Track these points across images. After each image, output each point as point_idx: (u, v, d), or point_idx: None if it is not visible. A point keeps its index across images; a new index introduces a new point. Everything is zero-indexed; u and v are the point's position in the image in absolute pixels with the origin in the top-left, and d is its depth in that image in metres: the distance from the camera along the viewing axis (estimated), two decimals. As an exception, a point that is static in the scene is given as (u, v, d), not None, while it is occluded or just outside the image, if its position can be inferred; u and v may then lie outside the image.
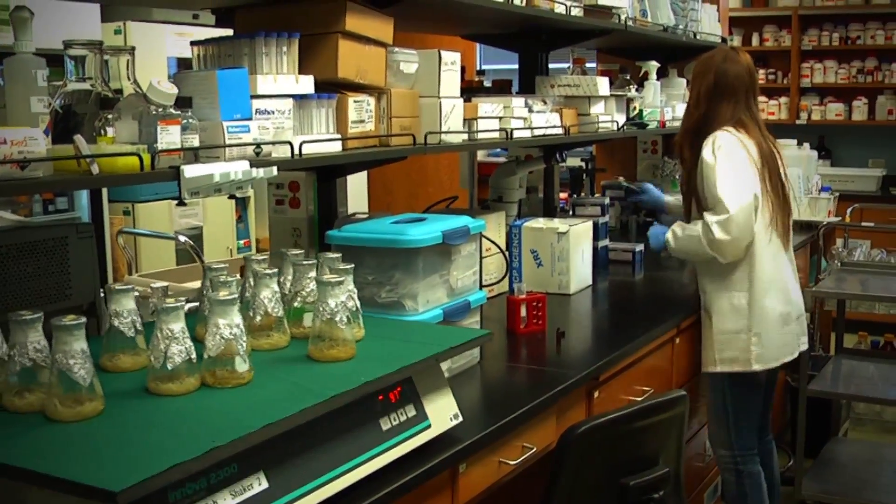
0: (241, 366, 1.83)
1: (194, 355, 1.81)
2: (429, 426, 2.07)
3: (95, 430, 1.63)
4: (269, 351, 2.07)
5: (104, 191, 4.81)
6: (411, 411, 2.04)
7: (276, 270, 2.10)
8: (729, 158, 3.34)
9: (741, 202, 3.30)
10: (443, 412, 2.13)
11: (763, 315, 3.42)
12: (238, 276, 2.20)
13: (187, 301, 1.87)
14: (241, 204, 5.65)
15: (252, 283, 2.13)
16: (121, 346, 1.93)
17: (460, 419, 2.17)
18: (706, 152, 3.37)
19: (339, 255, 2.29)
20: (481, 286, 2.81)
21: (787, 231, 3.51)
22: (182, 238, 3.85)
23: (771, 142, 3.50)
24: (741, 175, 3.34)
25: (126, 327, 1.91)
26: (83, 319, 1.66)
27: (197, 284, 3.27)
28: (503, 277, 3.52)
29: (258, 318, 2.07)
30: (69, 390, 1.65)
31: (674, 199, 4.22)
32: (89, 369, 1.67)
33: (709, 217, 3.34)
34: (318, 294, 2.04)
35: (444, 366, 2.25)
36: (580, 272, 3.70)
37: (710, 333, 3.48)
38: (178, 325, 1.78)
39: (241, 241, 5.70)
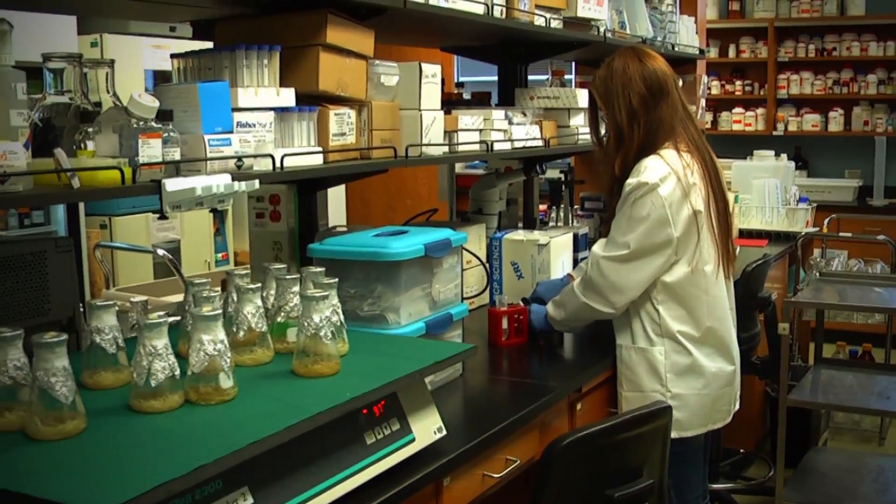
0: (226, 382, 1.81)
1: (178, 372, 1.78)
2: (413, 440, 2.06)
3: (78, 449, 1.60)
4: (253, 367, 2.05)
5: (81, 204, 4.79)
6: (395, 425, 2.03)
7: (259, 285, 2.08)
8: (652, 204, 2.82)
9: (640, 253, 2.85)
10: (427, 426, 2.12)
11: (687, 373, 2.92)
12: (220, 290, 2.18)
13: (168, 316, 1.85)
14: (220, 217, 5.63)
15: (235, 298, 2.11)
16: (102, 362, 1.90)
17: (444, 433, 2.16)
18: (631, 181, 2.85)
19: (322, 269, 2.27)
20: (462, 299, 2.80)
21: (728, 267, 3.00)
22: (160, 251, 3.84)
23: (710, 152, 2.99)
24: (655, 226, 2.83)
25: (108, 344, 1.89)
26: (65, 336, 1.64)
27: (176, 298, 3.25)
28: (484, 290, 3.52)
29: (241, 333, 2.05)
30: (50, 408, 1.62)
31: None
32: (71, 387, 1.64)
33: (596, 249, 2.94)
34: (303, 309, 2.02)
35: (428, 379, 2.24)
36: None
37: (621, 392, 3.00)
38: (161, 342, 1.76)
39: (219, 255, 5.68)
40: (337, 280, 2.16)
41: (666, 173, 2.83)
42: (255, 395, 1.86)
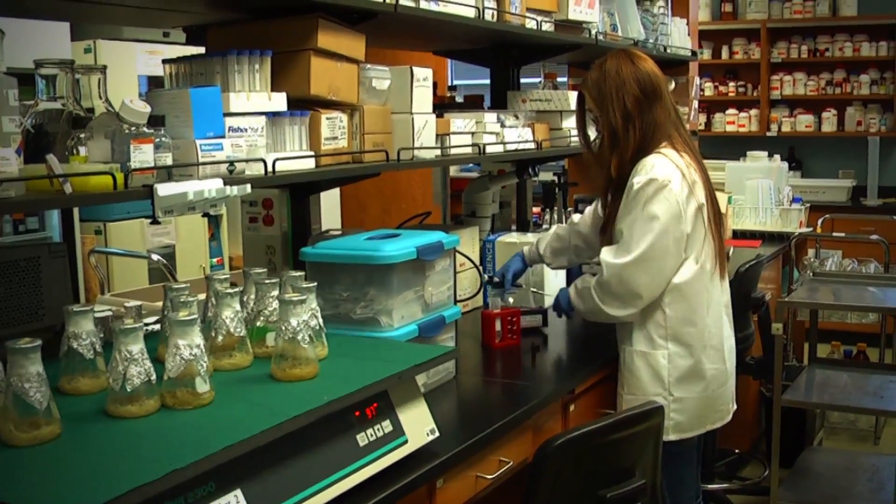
0: (202, 386, 1.81)
1: (154, 377, 1.79)
2: (405, 442, 2.07)
3: (52, 455, 1.60)
4: (232, 371, 2.05)
5: (75, 210, 4.79)
6: (388, 427, 2.04)
7: (238, 290, 2.09)
8: (667, 201, 2.80)
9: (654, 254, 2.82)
10: (419, 427, 2.13)
11: (689, 377, 2.91)
12: (202, 295, 2.18)
13: (157, 321, 1.86)
14: (214, 222, 5.63)
15: (214, 303, 2.11)
16: (80, 368, 1.90)
17: (437, 434, 2.17)
18: (640, 179, 2.83)
19: (301, 273, 2.27)
20: (456, 301, 2.81)
21: (723, 269, 2.99)
22: (155, 257, 3.84)
23: (699, 155, 2.99)
24: (667, 226, 2.81)
25: (85, 349, 1.88)
26: (38, 342, 1.63)
27: (171, 303, 3.26)
28: (477, 292, 3.53)
29: (220, 337, 2.05)
30: (25, 414, 1.62)
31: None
32: (45, 392, 1.64)
33: (608, 258, 2.88)
34: (281, 313, 2.02)
35: (420, 381, 2.25)
36: (554, 286, 3.70)
37: (621, 393, 2.99)
38: (136, 347, 1.76)
39: (214, 259, 5.68)
40: (315, 284, 2.16)
41: (672, 170, 2.84)
42: (232, 400, 1.86)
